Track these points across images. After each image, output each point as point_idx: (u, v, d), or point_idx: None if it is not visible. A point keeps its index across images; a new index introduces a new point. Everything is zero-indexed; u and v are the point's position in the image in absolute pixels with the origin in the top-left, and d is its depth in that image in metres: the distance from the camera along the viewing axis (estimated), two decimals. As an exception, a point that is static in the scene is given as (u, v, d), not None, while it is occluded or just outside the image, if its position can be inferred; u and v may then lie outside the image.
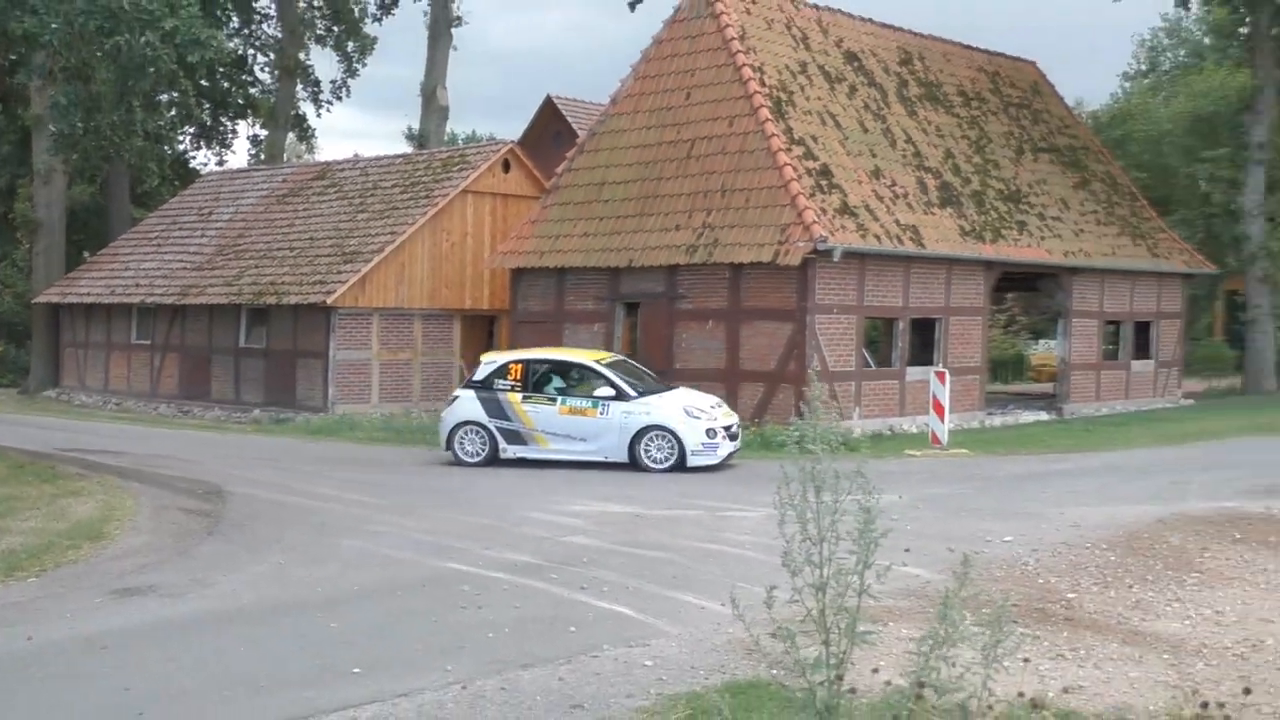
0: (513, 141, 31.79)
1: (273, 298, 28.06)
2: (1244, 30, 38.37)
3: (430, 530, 13.21)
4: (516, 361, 19.34)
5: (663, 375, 23.86)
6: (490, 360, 19.57)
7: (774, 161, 22.81)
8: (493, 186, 29.71)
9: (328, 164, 35.24)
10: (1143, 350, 30.53)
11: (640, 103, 25.68)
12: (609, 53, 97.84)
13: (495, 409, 18.94)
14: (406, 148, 47.53)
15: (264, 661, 8.31)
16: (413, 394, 28.19)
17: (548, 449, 18.76)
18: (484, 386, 19.12)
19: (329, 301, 26.57)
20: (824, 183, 23.18)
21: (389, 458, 20.44)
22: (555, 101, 41.50)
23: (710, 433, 18.37)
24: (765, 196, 22.74)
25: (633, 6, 34.35)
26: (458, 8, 39.22)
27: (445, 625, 9.20)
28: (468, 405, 19.06)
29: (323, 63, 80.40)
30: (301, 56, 43.41)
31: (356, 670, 7.98)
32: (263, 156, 44.11)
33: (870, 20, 28.88)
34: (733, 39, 24.46)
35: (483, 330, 30.16)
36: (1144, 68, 59.58)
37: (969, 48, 31.60)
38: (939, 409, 21.46)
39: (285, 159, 45.43)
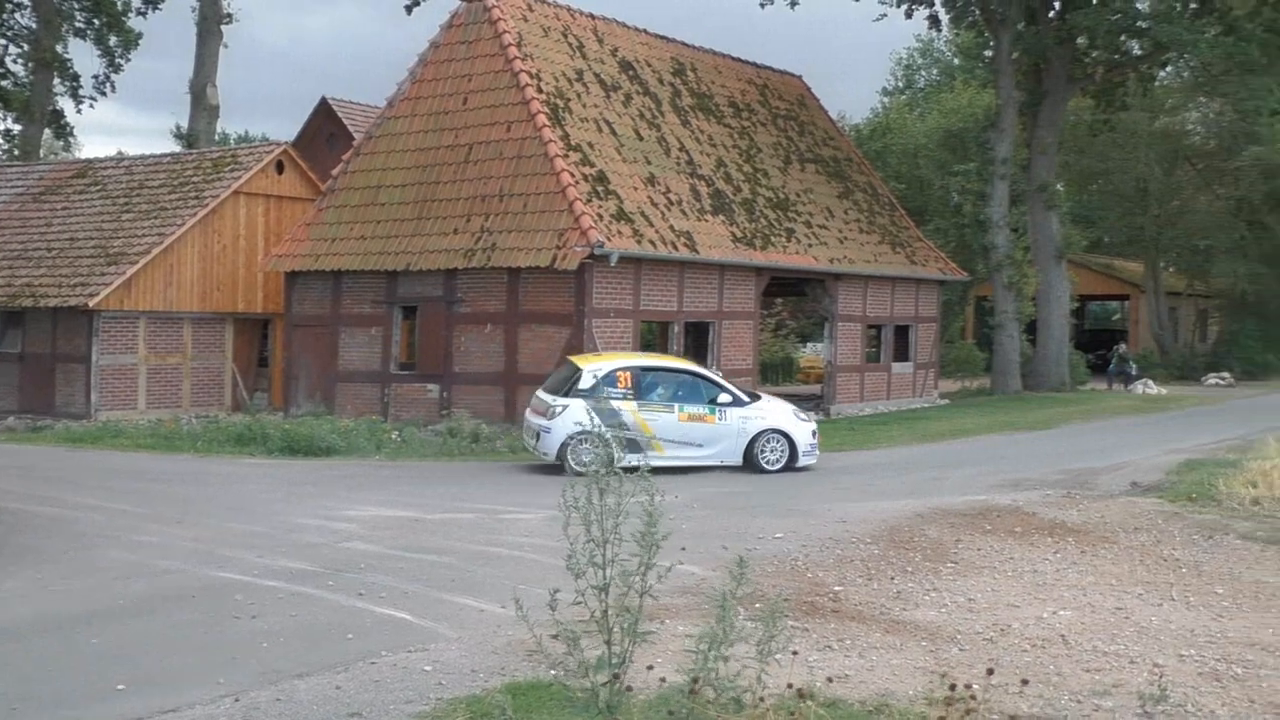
0: (286, 143, 30.86)
1: (29, 300, 26.54)
2: (988, 53, 40.50)
3: (200, 539, 12.69)
4: (625, 369, 18.69)
5: (441, 380, 23.62)
6: (594, 368, 18.67)
7: (551, 167, 22.86)
8: (266, 188, 28.80)
9: (89, 162, 33.47)
10: (902, 353, 31.84)
11: (417, 106, 25.36)
12: (385, 55, 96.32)
13: (611, 418, 17.93)
14: (175, 147, 45.61)
15: (18, 682, 7.81)
16: (183, 399, 27.09)
17: (664, 455, 18.01)
18: (591, 395, 18.21)
19: (91, 304, 25.28)
20: (600, 189, 23.36)
21: (157, 466, 19.56)
22: (330, 103, 40.53)
23: (813, 434, 19.30)
24: (543, 201, 22.77)
25: (409, 9, 33.92)
26: (228, 4, 37.97)
27: (217, 637, 8.86)
28: (579, 416, 17.89)
29: (83, 56, 76.40)
30: (59, 49, 41.15)
31: (121, 687, 7.59)
32: (16, 152, 41.62)
33: (645, 31, 29.27)
34: (510, 45, 24.40)
35: (256, 334, 29.20)
36: (901, 85, 62.32)
37: (739, 61, 32.39)
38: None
39: (41, 156, 42.98)
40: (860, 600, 9.83)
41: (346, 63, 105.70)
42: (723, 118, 29.57)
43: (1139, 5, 36.10)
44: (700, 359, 25.13)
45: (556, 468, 17.81)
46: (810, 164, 31.61)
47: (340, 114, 39.91)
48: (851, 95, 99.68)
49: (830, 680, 7.06)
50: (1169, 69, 43.69)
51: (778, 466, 18.57)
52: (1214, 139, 47.89)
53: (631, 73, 27.50)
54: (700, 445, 18.56)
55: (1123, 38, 36.82)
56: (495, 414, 22.57)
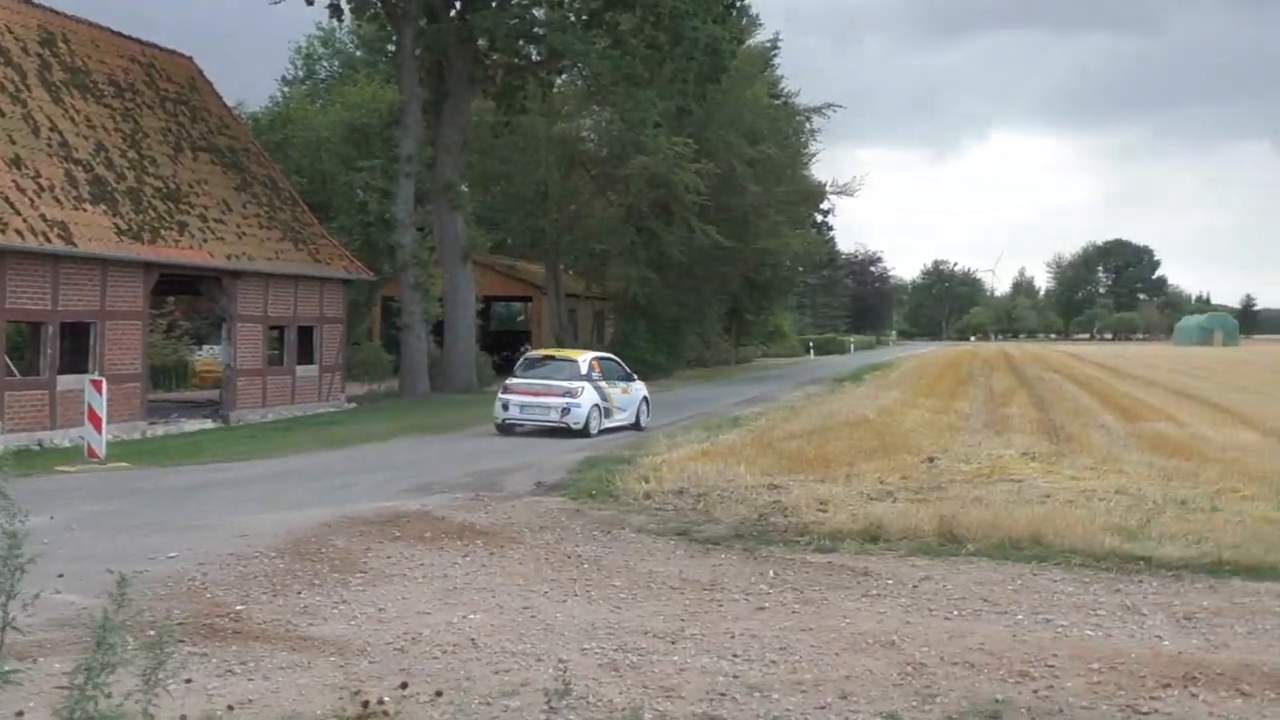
0: None
1: None
2: (391, 48, 41.14)
3: None
4: (596, 358, 26.87)
5: None
6: (584, 359, 26.31)
7: (-109, 142, 20.37)
8: None
9: None
10: (306, 355, 31.53)
11: None
12: None
13: (601, 394, 25.83)
14: None
15: None
16: None
17: (615, 419, 26.27)
18: (587, 379, 25.53)
19: None
20: (-45, 170, 21.14)
21: None
22: None
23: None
24: (-120, 182, 20.23)
25: None
26: None
27: None
28: (593, 393, 25.53)
29: None
30: None
31: None
32: None
33: (7, -8, 26.79)
34: None
35: None
36: (302, 75, 61.66)
37: (121, 35, 30.53)
38: (96, 420, 20.49)
39: None
40: (265, 618, 9.58)
41: None
42: (103, 97, 27.76)
43: (536, 12, 38.25)
44: (80, 363, 23.48)
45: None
46: (204, 153, 30.49)
47: None
48: (248, 82, 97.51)
49: (231, 708, 6.82)
50: (565, 76, 46.62)
51: (647, 424, 27.00)
52: (606, 147, 51.73)
53: (-8, 39, 25.09)
54: (624, 410, 26.70)
55: (521, 43, 38.81)
56: None
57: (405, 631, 9.19)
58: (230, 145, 32.20)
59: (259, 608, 9.93)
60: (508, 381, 26.46)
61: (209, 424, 27.26)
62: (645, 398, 27.64)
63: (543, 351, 28.93)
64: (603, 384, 26.06)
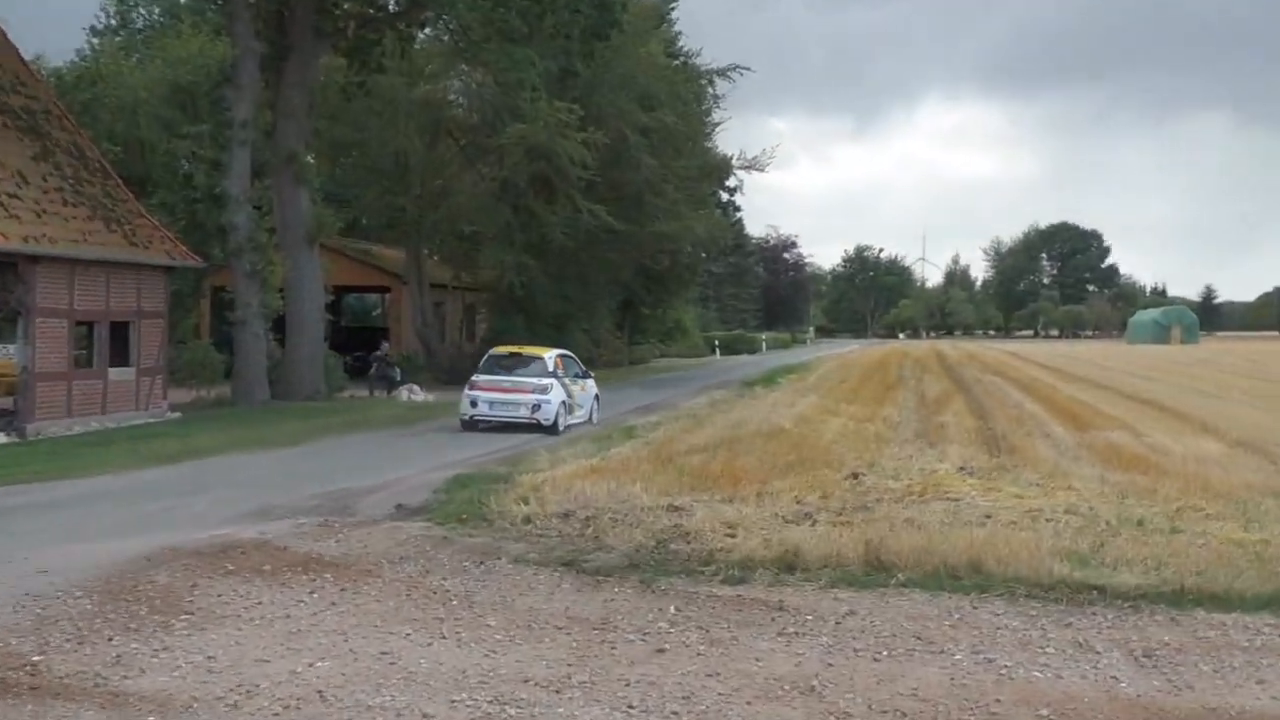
0: None
1: None
2: (224, -8, 40.48)
3: None
4: (558, 355, 30.79)
5: None
6: (548, 356, 30.05)
7: None
8: None
9: None
10: (121, 356, 30.89)
11: None
12: None
13: (567, 391, 29.68)
14: None
15: None
16: None
17: (575, 415, 30.18)
18: (553, 376, 29.29)
19: None
20: None
21: None
22: None
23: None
24: None
25: None
26: None
27: None
28: (561, 390, 29.33)
29: None
30: None
31: None
32: None
33: None
34: None
35: None
36: (115, 24, 60.57)
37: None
38: None
39: None
40: (68, 671, 9.38)
41: None
42: (-128, 46, 26.97)
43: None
44: None
45: None
46: (-4, 115, 29.77)
47: None
48: (49, 32, 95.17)
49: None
50: (429, 30, 46.27)
51: (597, 421, 31.26)
52: (477, 113, 51.37)
53: None
54: (583, 407, 31.11)
55: (376, -11, 38.50)
56: None
57: (239, 683, 9.06)
58: (27, 106, 31.44)
59: (61, 658, 9.73)
60: (474, 378, 29.91)
61: (1, 438, 26.64)
62: (596, 395, 32.34)
63: (508, 349, 32.35)
64: (566, 380, 29.93)
